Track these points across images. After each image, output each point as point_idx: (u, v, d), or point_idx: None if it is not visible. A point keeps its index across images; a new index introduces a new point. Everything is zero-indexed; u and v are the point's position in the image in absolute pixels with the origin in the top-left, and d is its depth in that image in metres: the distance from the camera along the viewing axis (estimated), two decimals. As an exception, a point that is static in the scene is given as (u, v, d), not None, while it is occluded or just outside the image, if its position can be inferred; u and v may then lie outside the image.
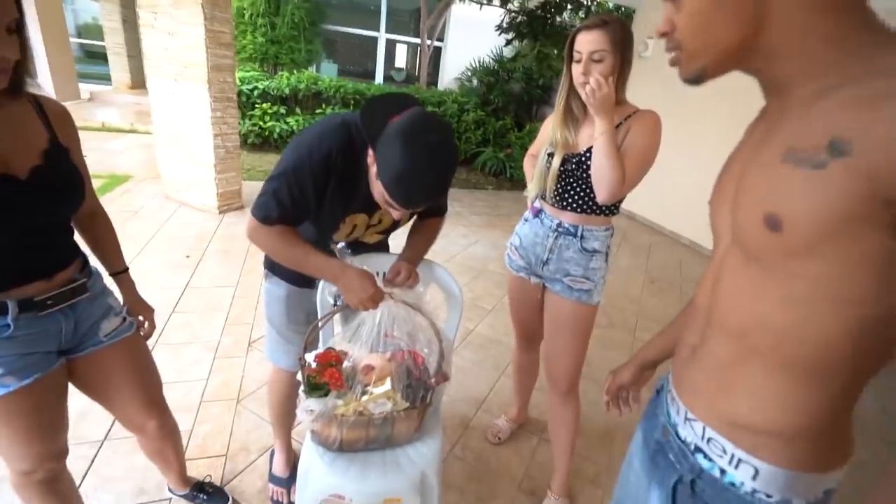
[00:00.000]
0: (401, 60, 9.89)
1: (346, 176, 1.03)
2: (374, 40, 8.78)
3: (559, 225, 1.34)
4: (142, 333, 1.17)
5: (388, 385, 1.16)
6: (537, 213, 1.41)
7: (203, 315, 2.41)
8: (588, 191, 1.27)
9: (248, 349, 2.20)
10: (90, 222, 1.10)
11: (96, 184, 4.16)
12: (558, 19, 6.25)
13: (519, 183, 5.66)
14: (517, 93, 6.93)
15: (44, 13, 7.16)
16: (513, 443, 1.87)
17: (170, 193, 4.00)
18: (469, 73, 7.58)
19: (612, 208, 1.31)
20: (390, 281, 1.17)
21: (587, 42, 1.15)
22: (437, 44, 8.44)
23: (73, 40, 9.75)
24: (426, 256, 1.31)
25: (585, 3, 6.68)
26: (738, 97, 4.29)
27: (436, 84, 8.78)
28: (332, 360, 1.14)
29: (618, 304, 3.16)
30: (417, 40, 7.73)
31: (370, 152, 0.96)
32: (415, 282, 1.18)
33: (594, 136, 1.19)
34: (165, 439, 1.25)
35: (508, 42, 6.80)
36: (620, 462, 1.81)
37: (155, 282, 2.63)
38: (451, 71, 8.54)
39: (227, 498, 1.45)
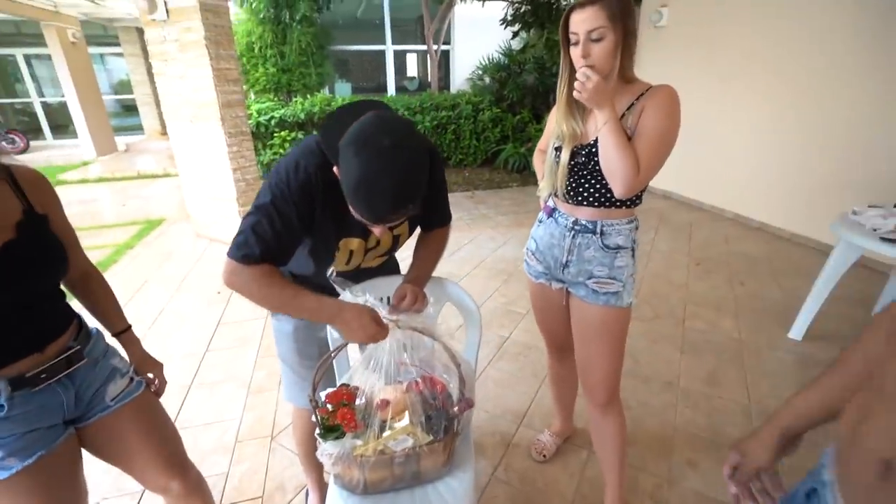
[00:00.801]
0: (412, 69, 9.90)
1: (330, 199, 0.95)
2: (383, 54, 8.82)
3: (575, 222, 1.21)
4: (153, 390, 1.14)
5: (406, 420, 1.07)
6: (551, 212, 1.29)
7: (236, 351, 2.42)
8: (604, 182, 1.14)
9: (279, 383, 2.18)
10: (84, 285, 1.06)
11: (133, 230, 4.35)
12: (563, 2, 6.02)
13: (543, 176, 5.51)
14: (531, 84, 6.75)
15: (77, 77, 7.67)
16: (560, 459, 1.73)
17: (199, 231, 4.11)
18: (480, 72, 7.47)
19: (634, 198, 1.17)
20: (396, 307, 1.08)
21: (582, 21, 1.03)
22: (444, 47, 8.37)
23: (110, 97, 10.41)
24: (436, 273, 1.22)
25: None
26: (767, 52, 3.97)
27: (448, 87, 8.71)
28: (343, 398, 1.07)
29: (661, 291, 2.95)
30: (424, 47, 7.69)
31: (335, 168, 0.88)
32: (422, 305, 1.09)
33: (598, 127, 1.07)
34: (191, 496, 1.21)
35: (515, 34, 6.64)
36: (681, 471, 1.66)
37: (191, 321, 2.68)
38: (462, 72, 8.45)
39: None
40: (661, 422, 1.89)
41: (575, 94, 1.05)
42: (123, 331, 1.11)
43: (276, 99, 6.60)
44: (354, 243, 1.09)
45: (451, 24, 8.24)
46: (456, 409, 1.10)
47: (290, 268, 1.16)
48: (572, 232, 1.21)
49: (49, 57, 7.70)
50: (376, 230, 0.93)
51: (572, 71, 1.12)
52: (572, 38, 1.06)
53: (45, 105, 9.95)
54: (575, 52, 1.07)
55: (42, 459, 0.88)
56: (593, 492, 1.59)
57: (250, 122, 5.39)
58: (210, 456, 1.77)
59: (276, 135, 5.80)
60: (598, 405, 1.36)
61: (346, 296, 1.06)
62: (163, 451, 1.10)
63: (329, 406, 1.07)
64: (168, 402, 2.06)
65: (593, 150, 1.11)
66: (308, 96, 6.25)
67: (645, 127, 1.05)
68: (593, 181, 1.16)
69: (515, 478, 1.66)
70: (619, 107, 1.10)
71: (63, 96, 7.99)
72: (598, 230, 1.18)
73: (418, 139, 0.86)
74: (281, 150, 5.81)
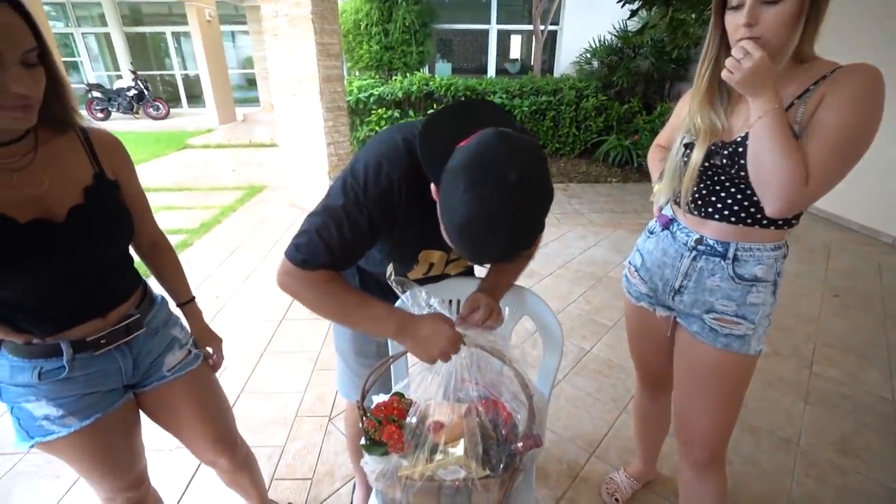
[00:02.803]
0: (515, 51, 9.53)
1: (414, 212, 0.80)
2: (486, 33, 8.56)
3: (699, 241, 0.95)
4: (210, 364, 1.12)
5: (461, 448, 0.93)
6: (668, 223, 1.04)
7: (310, 323, 2.46)
8: (749, 192, 0.87)
9: (344, 362, 2.17)
10: (152, 253, 1.06)
11: (238, 194, 4.69)
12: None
13: (648, 173, 5.02)
14: (645, 70, 6.10)
15: (209, 53, 8.50)
16: (636, 507, 1.49)
17: (294, 201, 4.31)
18: (588, 55, 6.92)
19: (791, 217, 0.89)
20: (464, 318, 0.93)
21: None
22: (552, 27, 7.89)
23: (235, 72, 11.43)
24: (519, 280, 1.04)
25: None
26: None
27: (552, 71, 8.23)
28: (393, 413, 0.95)
29: (784, 324, 2.47)
30: (531, 27, 7.30)
31: (433, 186, 0.73)
32: (495, 322, 0.92)
33: (750, 120, 0.80)
34: (239, 472, 1.20)
35: (633, 13, 6.00)
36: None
37: (274, 287, 2.78)
38: (569, 55, 7.89)
39: None
40: (774, 490, 1.54)
41: (724, 74, 0.80)
42: (187, 302, 1.10)
43: (376, 76, 6.70)
44: (436, 256, 0.96)
45: (561, 2, 7.72)
46: (520, 444, 0.93)
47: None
48: (693, 252, 0.96)
49: (187, 33, 8.59)
50: None
51: (722, 44, 0.85)
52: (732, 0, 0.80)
53: (184, 77, 11.21)
54: (733, 19, 0.80)
55: (99, 421, 0.90)
56: (674, 557, 1.34)
57: (350, 98, 5.52)
58: (270, 426, 1.80)
59: (373, 112, 5.89)
60: (696, 465, 1.10)
61: (407, 298, 0.93)
62: (212, 427, 1.10)
63: (376, 418, 0.96)
64: (242, 366, 2.16)
65: (739, 149, 0.85)
66: (408, 74, 6.25)
67: (824, 120, 0.76)
68: (733, 190, 0.89)
69: (580, 519, 1.46)
70: (785, 94, 0.81)
71: (198, 69, 8.92)
72: (731, 254, 0.91)
73: (544, 164, 0.67)
74: (377, 127, 5.90)
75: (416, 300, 0.93)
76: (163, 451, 1.63)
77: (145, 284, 1.00)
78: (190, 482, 1.57)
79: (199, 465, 1.61)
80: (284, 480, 1.57)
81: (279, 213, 4.17)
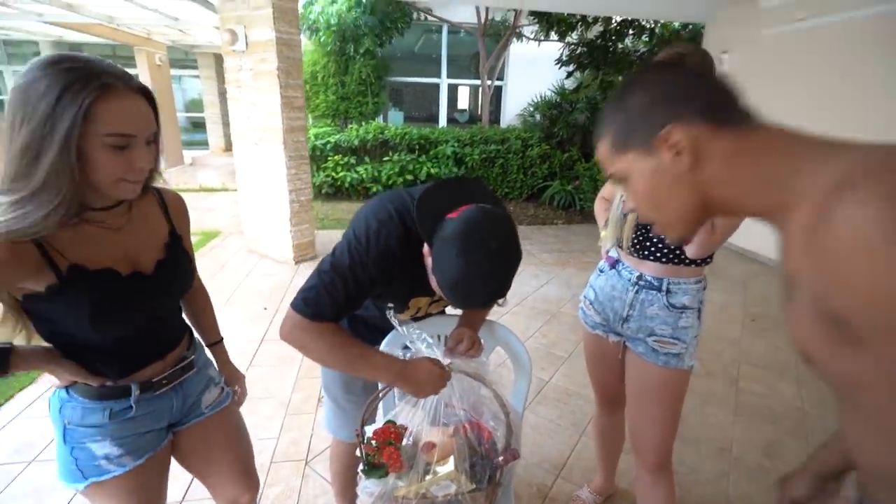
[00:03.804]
0: (463, 102, 10.16)
1: (406, 269, 0.96)
2: (437, 86, 9.13)
3: (640, 277, 1.18)
4: (235, 400, 1.19)
5: (451, 465, 1.05)
6: (614, 263, 1.26)
7: (277, 369, 2.47)
8: None
9: (317, 405, 2.20)
10: (192, 296, 1.14)
11: (192, 240, 4.61)
12: (620, 46, 6.07)
13: (590, 215, 5.45)
14: (582, 123, 6.76)
15: (158, 96, 8.34)
16: (600, 520, 1.64)
17: (251, 247, 4.30)
18: (531, 109, 7.56)
19: (705, 258, 1.13)
20: (451, 350, 1.08)
21: None
22: (497, 83, 8.57)
23: (182, 115, 11.27)
24: (488, 317, 1.21)
25: (648, 26, 6.45)
26: (829, 89, 3.81)
27: (498, 122, 8.86)
28: (390, 437, 1.06)
29: (713, 347, 2.79)
30: (478, 82, 7.91)
31: (426, 247, 0.89)
32: (478, 352, 1.08)
33: None
34: None
35: (569, 74, 6.72)
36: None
37: (237, 335, 2.77)
38: (513, 108, 8.59)
39: None
40: (714, 492, 1.76)
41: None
42: (216, 342, 1.18)
43: (333, 124, 6.92)
44: (423, 301, 1.11)
45: (505, 61, 8.45)
46: (501, 458, 1.06)
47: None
48: (636, 287, 1.18)
49: (136, 77, 8.46)
50: None
51: None
52: None
53: (127, 119, 10.90)
54: None
55: (148, 461, 0.96)
56: (636, 562, 1.48)
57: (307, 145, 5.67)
58: (246, 473, 1.79)
59: (329, 158, 6.06)
60: (649, 469, 1.28)
61: (403, 332, 1.06)
62: (240, 462, 1.16)
63: (374, 443, 1.07)
64: (211, 413, 2.14)
65: None
66: (363, 123, 6.52)
67: None
68: (662, 237, 1.13)
69: (552, 536, 1.58)
70: None
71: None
72: (665, 288, 1.14)
73: (516, 233, 0.86)
74: (333, 174, 6.05)
75: (409, 334, 1.07)
76: None
77: (190, 330, 1.09)
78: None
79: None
80: (265, 525, 1.58)
81: (237, 259, 4.14)
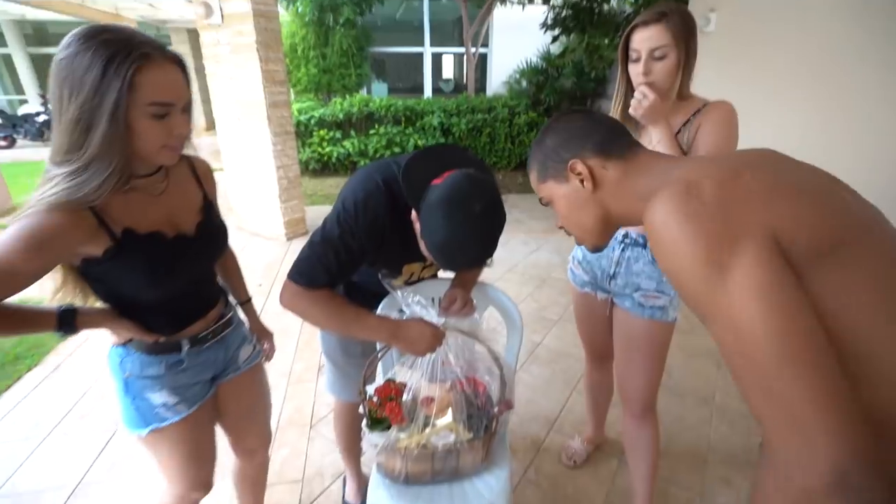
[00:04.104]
0: (448, 71, 9.99)
1: (396, 236, 1.00)
2: (421, 56, 8.94)
3: (625, 236, 1.23)
4: (264, 357, 1.27)
5: (449, 417, 1.12)
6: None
7: (276, 342, 2.52)
8: None
9: (318, 374, 2.27)
10: (223, 260, 1.20)
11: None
12: (605, 7, 5.96)
13: (577, 182, 5.47)
14: (569, 89, 6.72)
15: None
16: (590, 466, 1.75)
17: (242, 225, 4.29)
18: (517, 76, 7.47)
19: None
20: (445, 309, 1.13)
21: (646, 39, 1.05)
22: (482, 50, 8.42)
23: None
24: (480, 277, 1.26)
25: (635, -15, 6.32)
26: (822, 55, 3.80)
27: (484, 90, 8.74)
28: (391, 393, 1.12)
29: (698, 305, 2.89)
30: (462, 50, 7.75)
31: (413, 213, 0.93)
32: (471, 310, 1.14)
33: (653, 144, 1.08)
34: (263, 466, 1.34)
35: (555, 38, 6.61)
36: (714, 486, 1.65)
37: (233, 311, 2.81)
38: (499, 75, 8.47)
39: None
40: (696, 437, 1.87)
41: (631, 110, 1.08)
42: (246, 301, 1.25)
43: (316, 98, 6.79)
44: (416, 267, 1.16)
45: (489, 27, 8.27)
46: (496, 409, 1.14)
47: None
48: (622, 245, 1.23)
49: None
50: None
51: (629, 87, 1.14)
52: (633, 54, 1.08)
53: (101, 100, 10.56)
54: (634, 69, 1.09)
55: (199, 409, 1.05)
56: (624, 501, 1.59)
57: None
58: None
59: (315, 133, 5.97)
60: (635, 415, 1.37)
61: (398, 296, 1.11)
62: (263, 415, 1.26)
63: (376, 399, 1.13)
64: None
65: None
66: (347, 96, 6.40)
67: (701, 143, 1.07)
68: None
69: (545, 481, 1.69)
70: (674, 123, 1.11)
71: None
72: (650, 244, 1.20)
73: (499, 196, 0.90)
74: (319, 149, 5.98)
75: (404, 298, 1.12)
76: (148, 475, 1.66)
77: (225, 290, 1.16)
78: None
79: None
80: (276, 485, 1.66)
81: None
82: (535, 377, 2.26)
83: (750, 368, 0.52)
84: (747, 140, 1.22)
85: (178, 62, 0.80)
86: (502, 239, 0.94)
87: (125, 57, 0.71)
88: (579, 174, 0.72)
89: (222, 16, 3.50)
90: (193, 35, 6.87)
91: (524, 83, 7.37)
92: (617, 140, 0.73)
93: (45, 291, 0.86)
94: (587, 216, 0.76)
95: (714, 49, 4.75)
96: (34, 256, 0.74)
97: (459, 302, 1.13)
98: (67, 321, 0.85)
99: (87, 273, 0.86)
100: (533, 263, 3.61)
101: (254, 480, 1.36)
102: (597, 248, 0.82)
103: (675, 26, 1.02)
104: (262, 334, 1.30)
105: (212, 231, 1.01)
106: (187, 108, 0.83)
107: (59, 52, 0.73)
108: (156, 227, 0.89)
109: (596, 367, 1.62)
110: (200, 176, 1.03)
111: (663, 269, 0.59)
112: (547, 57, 7.18)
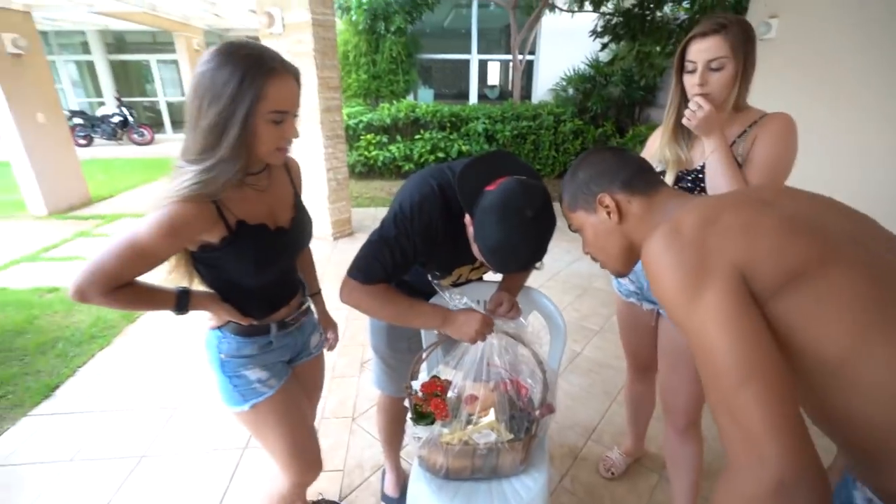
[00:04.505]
0: (494, 77, 10.03)
1: (448, 239, 1.05)
2: (467, 62, 9.03)
3: (673, 246, 1.22)
4: (327, 346, 1.37)
5: (491, 416, 1.15)
6: (646, 233, 1.31)
7: (321, 336, 2.64)
8: None
9: (360, 369, 2.36)
10: (303, 253, 1.29)
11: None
12: (658, 14, 5.82)
13: (623, 191, 5.35)
14: (617, 97, 6.60)
15: (196, 79, 8.69)
16: (628, 479, 1.72)
17: (292, 224, 4.49)
18: (564, 83, 7.41)
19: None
20: (492, 311, 1.17)
21: (703, 51, 1.05)
22: (528, 57, 8.40)
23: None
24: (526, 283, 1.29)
25: (690, -9, 6.13)
26: (891, 65, 3.56)
27: (530, 97, 8.72)
28: (436, 389, 1.17)
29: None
30: (509, 57, 7.78)
31: (467, 217, 0.98)
32: (517, 313, 1.17)
33: (706, 153, 1.08)
34: None
35: (604, 46, 6.51)
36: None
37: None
38: (545, 83, 8.42)
39: None
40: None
41: (684, 121, 1.08)
42: (316, 293, 1.35)
43: (364, 103, 7.01)
44: (465, 269, 1.21)
45: (537, 34, 8.25)
46: (538, 412, 1.16)
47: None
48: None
49: (172, 61, 8.80)
50: None
51: (683, 97, 1.14)
52: (688, 65, 1.08)
53: (168, 103, 11.35)
54: (690, 80, 1.09)
55: (287, 383, 1.15)
56: (663, 517, 1.56)
57: (342, 125, 5.78)
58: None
59: (362, 137, 6.17)
60: (678, 429, 1.35)
61: (445, 297, 1.16)
62: (316, 401, 1.37)
63: (421, 394, 1.18)
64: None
65: (700, 175, 1.13)
66: (394, 102, 6.57)
67: (757, 155, 1.05)
68: None
69: (582, 490, 1.68)
70: (729, 134, 1.10)
71: (183, 95, 9.10)
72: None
73: (550, 202, 0.94)
74: (366, 153, 6.17)
75: (451, 298, 1.17)
76: (206, 451, 1.79)
77: (303, 280, 1.26)
78: (230, 482, 1.73)
79: (238, 466, 1.77)
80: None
81: (278, 236, 4.34)
82: (575, 386, 2.25)
83: (714, 388, 0.58)
84: (803, 158, 1.19)
85: (295, 74, 0.89)
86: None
87: (258, 71, 0.81)
88: (607, 207, 0.79)
89: (283, 25, 3.70)
90: (254, 43, 7.30)
91: (570, 91, 7.30)
92: (643, 177, 0.79)
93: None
94: (612, 245, 0.83)
95: (775, 57, 4.55)
96: (170, 241, 0.85)
97: (506, 305, 1.16)
98: (183, 301, 0.97)
99: (200, 259, 0.96)
100: (575, 272, 3.58)
101: None
102: (620, 274, 0.88)
103: (734, 37, 1.01)
104: (328, 324, 1.38)
105: (303, 224, 1.10)
106: (297, 115, 0.92)
107: (199, 66, 0.83)
108: (261, 219, 0.98)
109: (638, 378, 1.60)
110: (292, 174, 1.12)
111: (654, 294, 0.66)
112: (595, 64, 7.08)
